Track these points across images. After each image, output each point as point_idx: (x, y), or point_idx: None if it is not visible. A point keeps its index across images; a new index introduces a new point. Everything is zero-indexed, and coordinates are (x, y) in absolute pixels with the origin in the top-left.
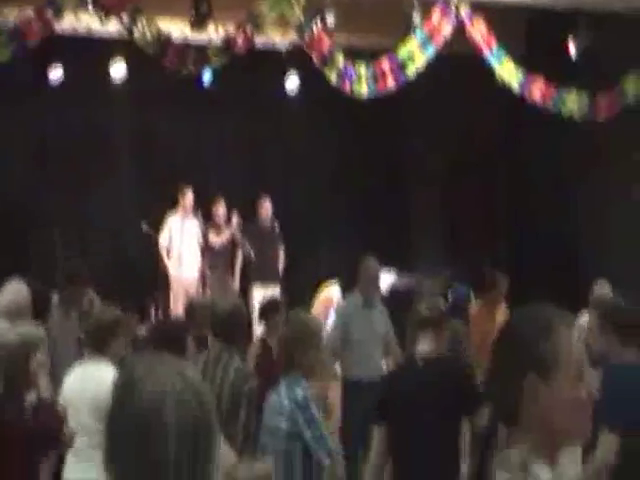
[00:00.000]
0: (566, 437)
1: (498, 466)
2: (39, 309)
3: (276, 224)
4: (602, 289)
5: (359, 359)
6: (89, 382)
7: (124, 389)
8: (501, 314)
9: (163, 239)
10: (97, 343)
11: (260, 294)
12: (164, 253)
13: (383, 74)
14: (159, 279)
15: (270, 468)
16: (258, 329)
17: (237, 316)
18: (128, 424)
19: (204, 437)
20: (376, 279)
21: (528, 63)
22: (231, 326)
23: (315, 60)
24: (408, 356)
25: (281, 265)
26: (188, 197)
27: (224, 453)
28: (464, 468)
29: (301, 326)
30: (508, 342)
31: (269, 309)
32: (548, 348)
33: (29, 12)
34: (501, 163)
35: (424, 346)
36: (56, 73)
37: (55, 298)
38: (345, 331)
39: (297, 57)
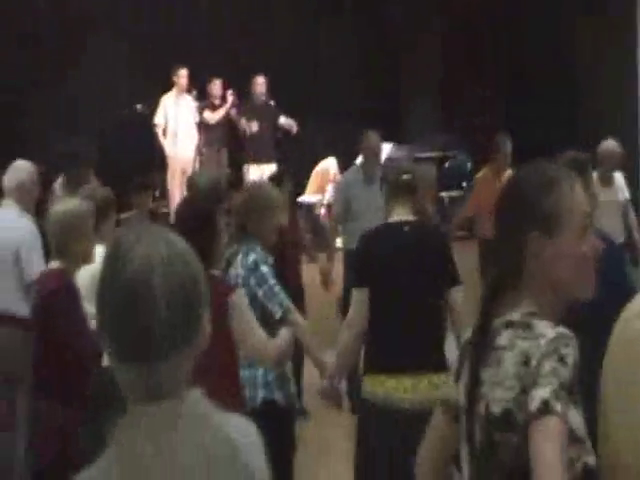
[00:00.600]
0: (569, 294)
1: (501, 326)
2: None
3: (271, 102)
4: (609, 145)
5: (360, 230)
6: None
7: (112, 260)
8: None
9: (158, 118)
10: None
11: (256, 172)
12: (160, 132)
13: None
14: (156, 158)
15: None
16: None
17: (214, 190)
18: (117, 295)
19: (194, 303)
20: (378, 154)
21: None
22: (208, 199)
23: None
24: (385, 221)
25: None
26: (183, 77)
27: (258, 333)
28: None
29: (255, 196)
30: (510, 200)
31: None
32: (550, 204)
33: None
34: (496, 28)
35: (400, 212)
36: None
37: (58, 180)
38: (347, 204)
39: None
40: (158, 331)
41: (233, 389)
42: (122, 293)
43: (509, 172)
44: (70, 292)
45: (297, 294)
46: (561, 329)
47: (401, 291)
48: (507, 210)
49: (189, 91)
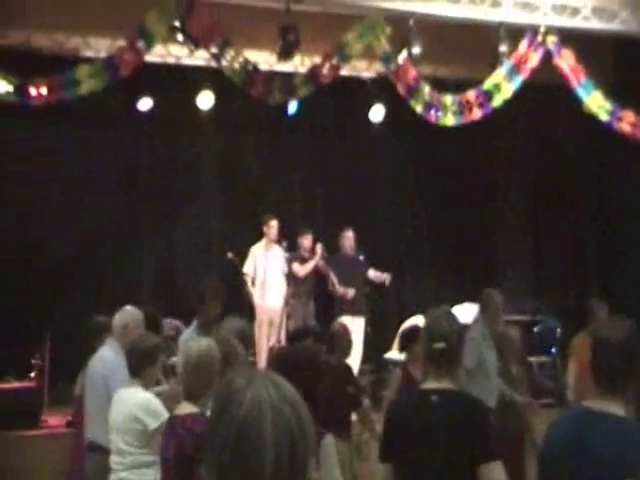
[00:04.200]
0: None
1: None
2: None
3: (361, 256)
4: None
5: (491, 388)
6: (122, 405)
7: (223, 401)
8: None
9: (247, 268)
10: (133, 367)
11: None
12: (249, 281)
13: (469, 104)
14: (244, 308)
15: None
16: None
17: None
18: (227, 434)
19: (300, 447)
20: (501, 311)
21: (617, 93)
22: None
23: (401, 90)
24: (419, 390)
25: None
26: (273, 228)
27: None
28: None
29: None
30: None
31: (410, 337)
32: None
33: (121, 43)
34: (589, 194)
35: (431, 380)
36: (146, 102)
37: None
38: (480, 360)
39: (382, 87)
40: (266, 474)
41: None
42: (233, 434)
43: None
44: None
45: None
46: None
47: (423, 468)
48: None
49: (279, 242)
